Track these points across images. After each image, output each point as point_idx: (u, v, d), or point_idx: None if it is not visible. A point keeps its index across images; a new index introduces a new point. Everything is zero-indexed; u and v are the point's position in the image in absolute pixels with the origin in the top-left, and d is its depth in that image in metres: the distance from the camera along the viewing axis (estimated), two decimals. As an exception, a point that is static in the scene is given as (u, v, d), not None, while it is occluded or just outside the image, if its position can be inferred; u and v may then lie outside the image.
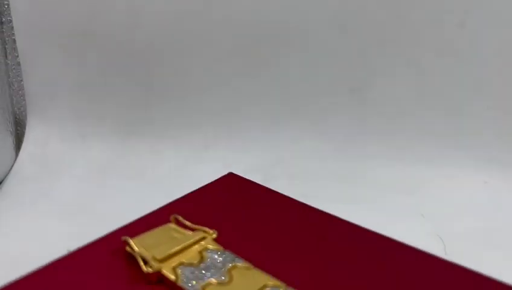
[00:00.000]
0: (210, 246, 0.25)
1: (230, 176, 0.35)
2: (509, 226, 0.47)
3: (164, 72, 0.54)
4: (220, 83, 0.54)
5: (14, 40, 0.53)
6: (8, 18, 0.53)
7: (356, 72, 0.53)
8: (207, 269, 0.23)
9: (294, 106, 0.53)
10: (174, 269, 0.23)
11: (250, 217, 0.29)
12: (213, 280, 0.22)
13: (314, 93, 0.53)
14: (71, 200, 0.43)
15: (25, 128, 0.54)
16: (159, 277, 0.22)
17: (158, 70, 0.54)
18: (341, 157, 0.53)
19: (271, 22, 0.52)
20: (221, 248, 0.25)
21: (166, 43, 0.52)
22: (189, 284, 0.22)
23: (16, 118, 0.55)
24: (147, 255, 0.23)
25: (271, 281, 0.22)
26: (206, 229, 0.26)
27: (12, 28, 0.53)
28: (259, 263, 0.24)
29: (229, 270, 0.23)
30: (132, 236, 0.25)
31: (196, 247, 0.24)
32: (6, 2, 0.52)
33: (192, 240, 0.25)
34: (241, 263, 0.23)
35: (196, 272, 0.23)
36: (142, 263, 0.23)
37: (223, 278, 0.22)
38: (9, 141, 0.51)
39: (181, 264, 0.23)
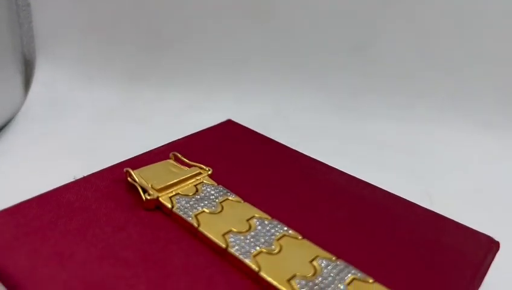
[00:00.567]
0: (205, 181, 0.27)
1: (229, 122, 0.37)
2: (498, 188, 0.49)
3: (172, 21, 0.54)
4: (225, 34, 0.54)
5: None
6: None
7: (359, 30, 0.53)
8: (201, 200, 0.25)
9: (296, 61, 0.54)
10: (170, 198, 0.25)
11: (245, 159, 0.31)
12: (206, 210, 0.24)
13: (316, 50, 0.54)
14: (78, 138, 0.45)
15: (34, 69, 0.55)
16: (157, 204, 0.25)
17: (166, 19, 0.54)
18: (340, 113, 0.54)
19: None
20: (215, 183, 0.27)
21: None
22: (183, 212, 0.24)
23: (25, 58, 0.56)
24: (146, 185, 0.25)
25: (258, 214, 0.24)
26: (202, 166, 0.28)
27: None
28: (249, 198, 0.26)
29: (221, 203, 0.25)
30: (134, 169, 0.26)
31: (192, 181, 0.26)
32: None
33: (188, 175, 0.27)
34: (232, 197, 0.25)
35: (191, 202, 0.25)
36: (141, 192, 0.25)
37: (214, 208, 0.24)
38: (19, 80, 0.53)
39: (177, 194, 0.25)
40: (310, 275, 0.20)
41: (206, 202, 0.25)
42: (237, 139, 0.34)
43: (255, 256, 0.21)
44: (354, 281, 0.20)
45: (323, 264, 0.21)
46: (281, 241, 0.22)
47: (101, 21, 0.54)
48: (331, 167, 0.31)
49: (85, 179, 0.27)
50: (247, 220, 0.24)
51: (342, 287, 0.20)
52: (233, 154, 0.32)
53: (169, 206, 0.24)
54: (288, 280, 0.20)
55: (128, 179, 0.26)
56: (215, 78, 0.54)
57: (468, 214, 0.32)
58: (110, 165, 0.29)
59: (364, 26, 0.53)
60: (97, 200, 0.25)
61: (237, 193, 0.26)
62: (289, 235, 0.23)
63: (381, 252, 0.23)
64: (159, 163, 0.28)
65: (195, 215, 0.23)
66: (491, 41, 0.51)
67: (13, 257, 0.20)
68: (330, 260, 0.22)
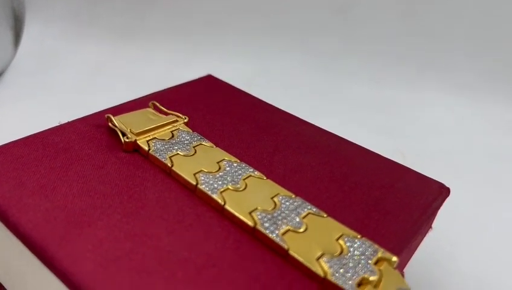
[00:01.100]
0: (181, 128, 0.29)
1: (210, 77, 0.38)
2: (469, 149, 0.51)
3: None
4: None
5: None
6: None
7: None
8: (176, 144, 0.27)
9: (278, 22, 0.55)
10: (147, 142, 0.27)
11: (221, 111, 0.33)
12: (180, 152, 0.26)
13: (298, 11, 0.55)
14: (66, 92, 0.47)
15: (24, 24, 0.56)
16: (135, 147, 0.27)
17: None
18: (321, 74, 0.56)
19: None
20: (190, 130, 0.29)
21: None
22: (159, 154, 0.26)
23: (15, 14, 0.57)
24: (125, 129, 0.27)
25: (228, 157, 0.26)
26: (179, 114, 0.30)
27: None
28: (221, 145, 0.28)
29: (194, 147, 0.27)
30: (115, 116, 0.28)
31: (169, 127, 0.28)
32: None
33: (165, 122, 0.29)
34: (205, 143, 0.28)
35: (166, 145, 0.27)
36: (121, 135, 0.27)
37: (188, 151, 0.26)
38: (9, 36, 0.54)
39: (154, 138, 0.27)
40: (270, 209, 0.23)
41: (180, 146, 0.27)
42: (215, 92, 0.36)
43: (221, 192, 0.23)
44: (309, 215, 0.23)
45: (283, 201, 0.23)
46: (247, 181, 0.25)
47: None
48: (304, 120, 0.33)
49: (70, 124, 0.29)
50: (218, 162, 0.26)
51: (297, 219, 0.22)
52: (211, 106, 0.33)
53: (146, 148, 0.26)
54: (250, 213, 0.22)
55: (109, 124, 0.28)
56: (200, 37, 0.56)
57: (433, 169, 0.34)
58: (94, 113, 0.31)
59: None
60: (80, 142, 0.27)
61: (211, 140, 0.28)
62: (254, 176, 0.25)
63: (337, 193, 0.26)
64: (138, 111, 0.30)
65: (170, 157, 0.25)
66: (469, 6, 0.52)
67: (0, 189, 0.22)
68: (290, 197, 0.24)
